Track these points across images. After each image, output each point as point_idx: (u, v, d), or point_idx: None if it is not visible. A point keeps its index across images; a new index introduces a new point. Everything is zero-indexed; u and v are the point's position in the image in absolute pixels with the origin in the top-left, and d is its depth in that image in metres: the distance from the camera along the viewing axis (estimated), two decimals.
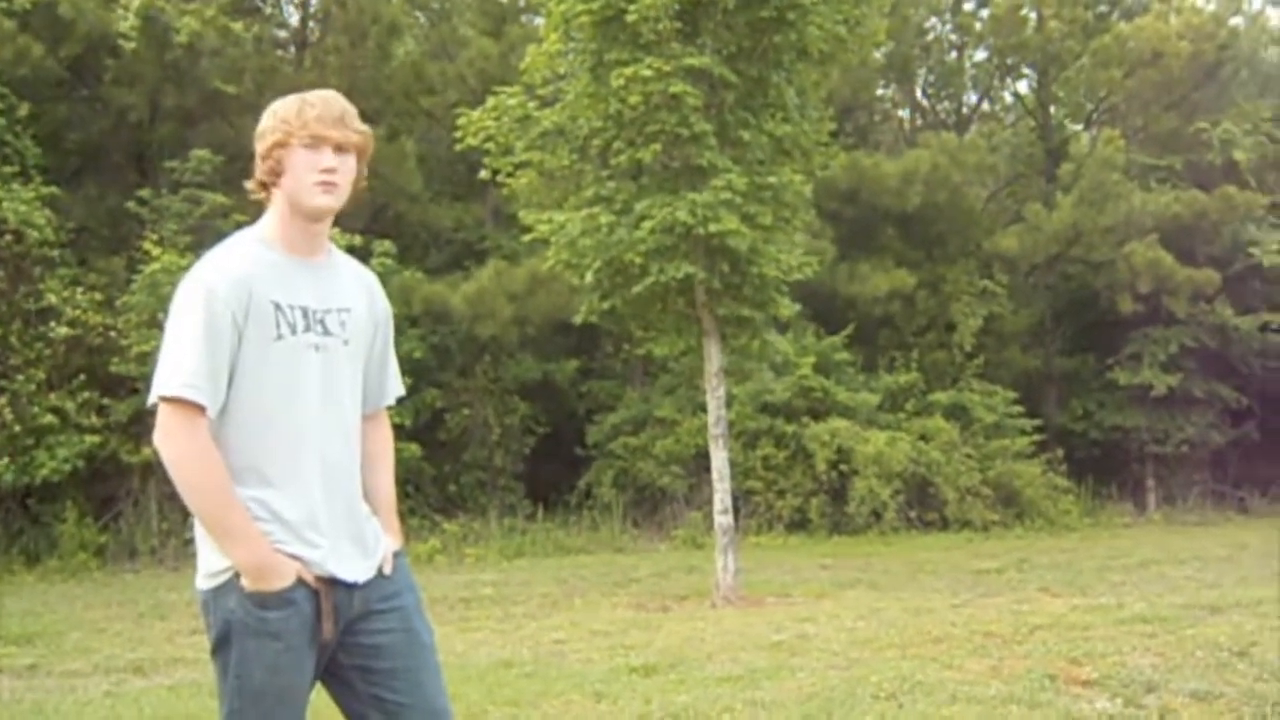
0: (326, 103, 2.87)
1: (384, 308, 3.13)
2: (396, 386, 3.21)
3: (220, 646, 2.80)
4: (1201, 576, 12.09)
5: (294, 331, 2.82)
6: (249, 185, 2.94)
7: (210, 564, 2.80)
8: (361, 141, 2.91)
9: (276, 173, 2.87)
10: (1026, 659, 6.96)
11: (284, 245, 2.89)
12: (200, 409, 2.70)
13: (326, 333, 2.88)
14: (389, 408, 3.22)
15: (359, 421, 3.02)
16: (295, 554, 2.78)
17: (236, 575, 2.74)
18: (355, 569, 2.88)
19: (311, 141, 2.83)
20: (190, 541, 16.25)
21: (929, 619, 9.07)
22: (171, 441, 2.71)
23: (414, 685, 2.94)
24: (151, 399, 2.73)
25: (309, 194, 2.85)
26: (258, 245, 2.88)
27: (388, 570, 2.97)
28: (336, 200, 2.88)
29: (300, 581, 2.77)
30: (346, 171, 2.89)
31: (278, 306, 2.80)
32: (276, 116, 2.87)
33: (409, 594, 3.02)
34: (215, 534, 2.75)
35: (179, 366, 2.70)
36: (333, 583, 2.82)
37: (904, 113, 28.07)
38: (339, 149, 2.86)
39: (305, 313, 2.85)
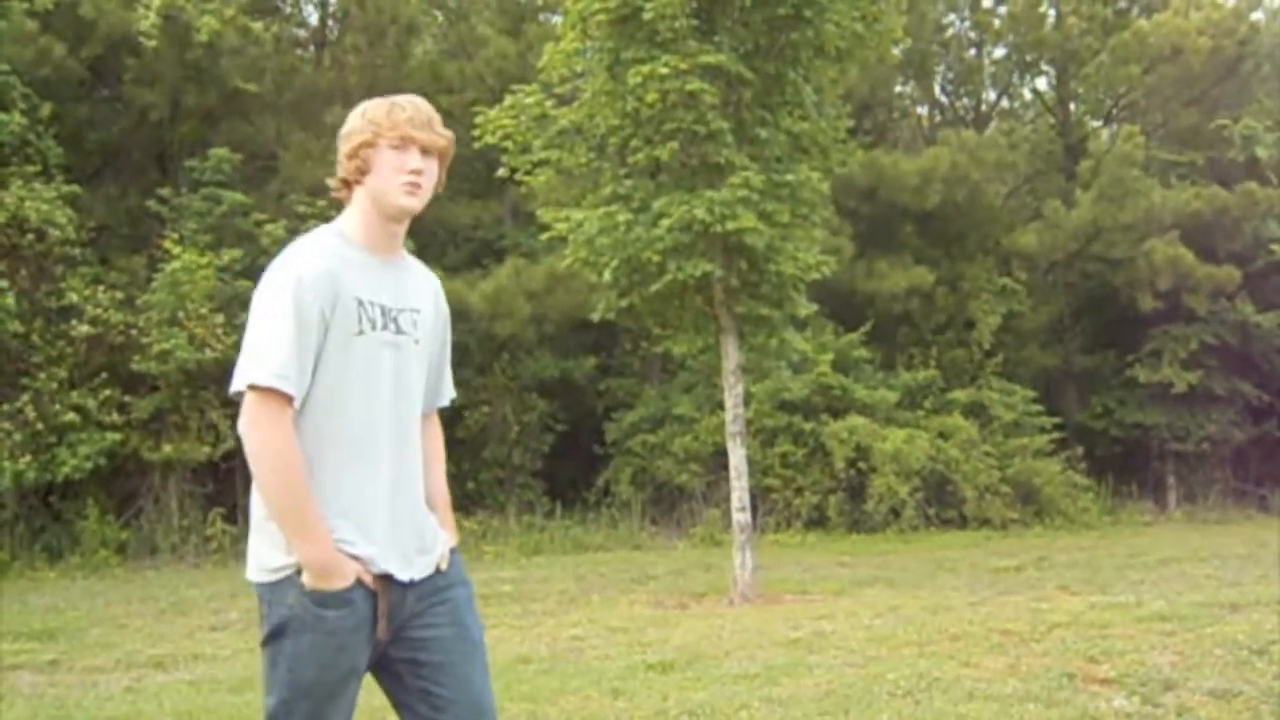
0: (416, 106, 2.93)
1: (446, 312, 3.19)
2: (450, 389, 3.26)
3: (274, 639, 2.83)
4: (1221, 574, 12.03)
5: (374, 328, 2.87)
6: (331, 183, 2.99)
7: (270, 559, 2.83)
8: (446, 146, 2.97)
9: (362, 171, 2.91)
10: (1044, 657, 6.95)
11: (365, 243, 2.93)
12: (288, 399, 2.74)
13: (400, 331, 2.93)
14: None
15: (421, 420, 3.08)
16: (357, 555, 2.81)
17: (298, 571, 2.78)
18: (413, 567, 2.93)
19: (400, 143, 2.88)
20: (210, 539, 16.45)
21: (947, 617, 9.06)
22: (258, 431, 2.74)
23: (461, 680, 2.98)
24: (237, 386, 2.76)
25: (394, 194, 2.90)
26: (340, 241, 2.92)
27: (444, 567, 3.02)
28: (420, 202, 2.93)
29: (359, 582, 2.81)
30: (431, 174, 2.94)
31: (360, 302, 2.84)
32: (365, 117, 2.91)
33: (461, 589, 3.06)
34: (286, 528, 2.77)
35: (269, 356, 2.73)
36: (390, 581, 2.86)
37: (922, 110, 27.99)
38: (425, 152, 2.91)
39: (383, 310, 2.89)
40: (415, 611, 2.93)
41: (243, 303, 17.07)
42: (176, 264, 16.21)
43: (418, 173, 2.89)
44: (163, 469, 16.56)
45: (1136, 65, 23.30)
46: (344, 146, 2.93)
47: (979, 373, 21.95)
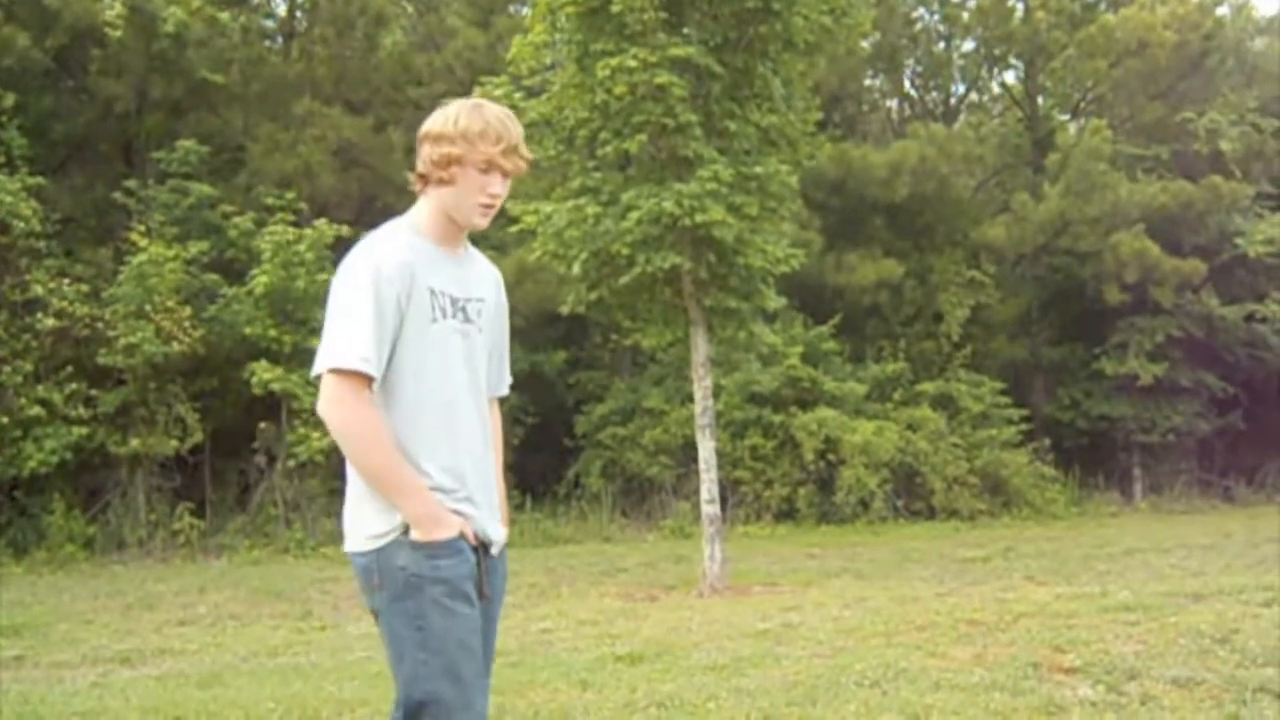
0: (508, 128, 3.01)
1: (505, 302, 3.32)
2: (508, 378, 3.37)
3: (394, 602, 2.90)
4: (1186, 564, 12.16)
5: (445, 316, 3.00)
6: (410, 176, 3.09)
7: (372, 526, 2.93)
8: (524, 169, 3.09)
9: (445, 182, 3.01)
10: (1010, 646, 7.00)
11: (434, 237, 3.05)
12: (368, 380, 2.86)
13: (467, 320, 3.06)
14: (500, 398, 3.38)
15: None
16: (459, 510, 2.95)
17: (404, 532, 2.88)
18: (496, 534, 3.08)
19: (486, 167, 2.99)
20: (178, 533, 16.34)
21: (914, 607, 9.11)
22: (340, 409, 2.86)
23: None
24: (318, 369, 2.88)
25: (471, 212, 3.03)
26: (413, 235, 3.03)
27: (495, 553, 3.12)
28: (489, 220, 3.08)
29: (462, 535, 2.92)
30: (504, 195, 3.07)
31: (433, 292, 2.97)
32: (458, 128, 2.98)
33: (502, 581, 3.18)
34: (387, 491, 2.88)
35: (351, 340, 2.85)
36: (485, 548, 3.01)
37: (892, 103, 28.09)
38: (506, 175, 3.03)
39: (452, 300, 3.02)
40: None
41: (210, 296, 17.01)
42: (143, 256, 16.09)
43: (496, 197, 3.03)
44: (130, 463, 16.44)
45: (1103, 59, 23.46)
46: (432, 150, 3.00)
47: (947, 365, 22.06)
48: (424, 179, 3.04)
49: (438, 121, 3.01)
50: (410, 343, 2.92)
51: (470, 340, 3.06)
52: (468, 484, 2.99)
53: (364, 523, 2.94)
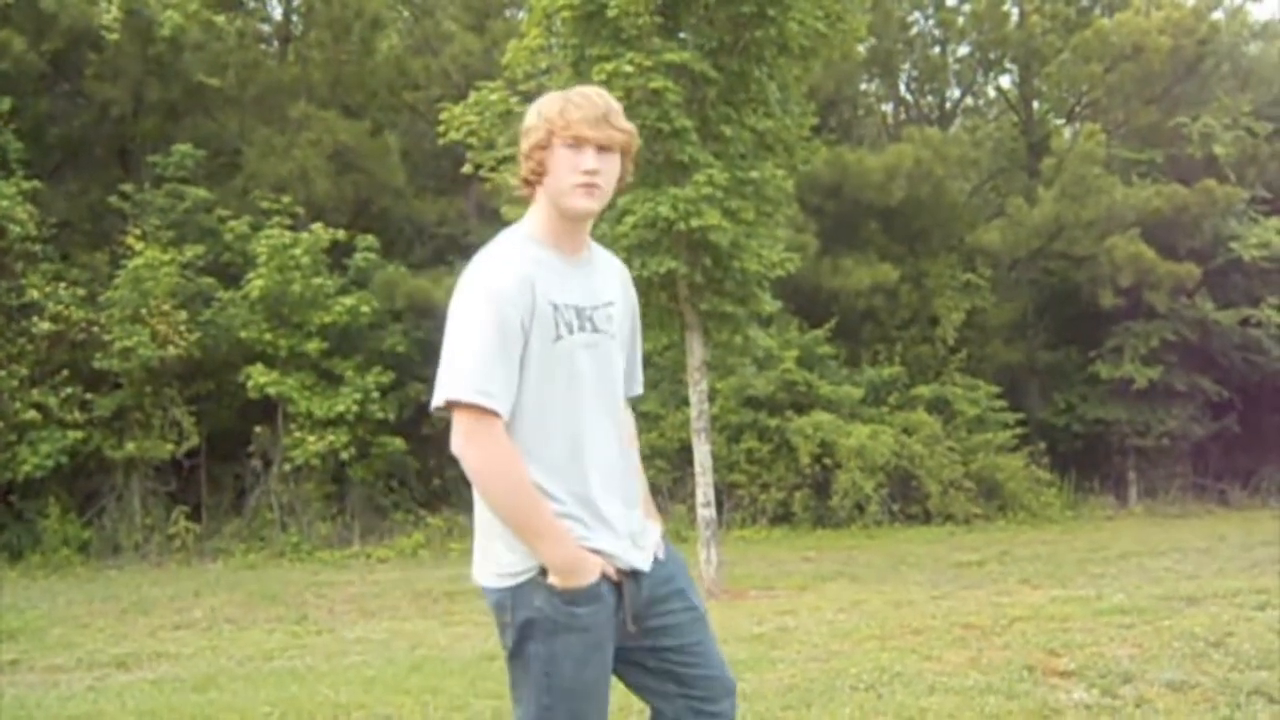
0: (591, 101, 2.84)
1: (634, 298, 3.12)
2: (640, 379, 3.17)
3: (524, 644, 2.79)
4: (1180, 568, 12.17)
5: (570, 331, 2.81)
6: (514, 182, 2.95)
7: (508, 564, 2.81)
8: (625, 140, 2.87)
9: (539, 173, 2.84)
10: (1005, 650, 7.00)
11: (552, 244, 2.87)
12: (497, 414, 2.70)
13: (596, 330, 2.87)
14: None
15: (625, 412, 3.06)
16: (598, 549, 2.80)
17: (542, 573, 2.75)
18: (640, 558, 2.91)
19: (574, 142, 2.80)
20: (173, 537, 16.30)
21: (909, 611, 9.12)
22: (474, 448, 2.73)
23: (704, 657, 2.98)
24: (440, 401, 2.74)
25: (569, 196, 2.81)
26: (530, 245, 2.85)
27: (661, 555, 3.00)
28: (598, 202, 2.83)
29: (603, 575, 2.80)
30: (609, 172, 2.84)
31: (555, 308, 2.78)
32: (540, 115, 2.84)
33: (681, 571, 3.06)
34: (524, 535, 2.75)
35: (474, 371, 2.70)
36: (630, 574, 2.86)
37: (887, 107, 28.11)
38: (602, 149, 2.82)
39: (578, 312, 2.84)
40: (651, 599, 2.91)
41: (205, 299, 17.02)
42: (139, 260, 16.11)
43: (592, 173, 2.79)
44: (125, 467, 16.45)
45: (1098, 63, 23.50)
46: (522, 145, 2.86)
47: (943, 369, 22.08)
48: (528, 183, 2.87)
49: (526, 120, 2.87)
50: (534, 365, 2.75)
51: (601, 350, 2.88)
52: (598, 506, 2.83)
53: (496, 557, 2.82)
